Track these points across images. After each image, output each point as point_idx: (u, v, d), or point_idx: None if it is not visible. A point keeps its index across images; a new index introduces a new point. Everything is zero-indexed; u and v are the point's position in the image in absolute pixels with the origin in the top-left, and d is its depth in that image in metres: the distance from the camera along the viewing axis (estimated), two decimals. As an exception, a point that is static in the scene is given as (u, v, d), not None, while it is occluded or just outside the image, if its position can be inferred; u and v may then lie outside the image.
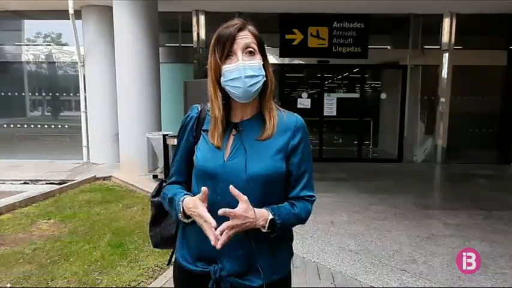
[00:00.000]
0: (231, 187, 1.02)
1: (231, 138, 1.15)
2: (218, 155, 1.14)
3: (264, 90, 1.15)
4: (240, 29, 1.10)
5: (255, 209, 1.06)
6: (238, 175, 1.09)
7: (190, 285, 1.22)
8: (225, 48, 1.09)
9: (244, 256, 1.13)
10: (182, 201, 1.11)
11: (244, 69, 1.08)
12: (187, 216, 1.11)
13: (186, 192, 1.17)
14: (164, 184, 1.31)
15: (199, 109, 1.23)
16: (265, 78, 1.12)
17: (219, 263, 1.13)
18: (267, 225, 1.07)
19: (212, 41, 1.12)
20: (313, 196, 1.21)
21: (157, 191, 1.34)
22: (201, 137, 1.19)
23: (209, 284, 1.13)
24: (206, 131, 1.19)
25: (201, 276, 1.15)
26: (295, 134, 1.17)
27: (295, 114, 1.22)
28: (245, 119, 1.17)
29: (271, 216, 1.08)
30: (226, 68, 1.10)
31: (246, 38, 1.10)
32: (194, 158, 1.19)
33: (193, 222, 1.10)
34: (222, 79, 1.11)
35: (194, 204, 1.07)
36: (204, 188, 1.04)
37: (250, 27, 1.13)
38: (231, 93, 1.11)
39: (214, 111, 1.14)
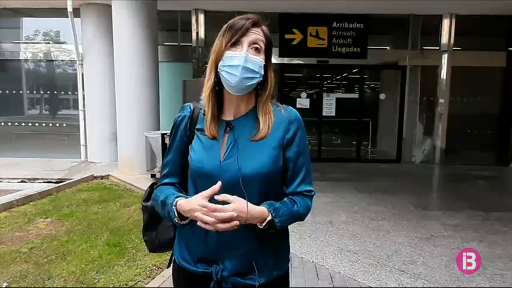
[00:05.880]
0: (217, 196, 1.00)
1: (226, 136, 1.13)
2: (213, 155, 1.12)
3: (262, 90, 1.14)
4: (254, 25, 1.11)
5: (256, 206, 1.05)
6: (235, 174, 1.07)
7: (191, 287, 1.20)
8: (234, 36, 1.09)
9: (245, 255, 1.12)
10: (175, 206, 1.08)
11: (246, 60, 1.07)
12: (183, 218, 1.09)
13: (178, 194, 1.13)
14: (155, 186, 1.28)
15: (192, 108, 1.21)
16: (261, 79, 1.11)
17: (220, 263, 1.12)
18: (264, 223, 1.06)
19: (223, 27, 1.12)
20: (312, 191, 1.19)
21: (149, 194, 1.31)
22: (195, 137, 1.17)
23: (210, 285, 1.11)
24: (200, 130, 1.17)
25: (202, 277, 1.13)
26: (290, 127, 1.15)
27: (290, 107, 1.20)
28: (238, 116, 1.16)
29: (269, 218, 1.06)
30: (228, 53, 1.09)
31: (257, 34, 1.11)
32: (189, 158, 1.16)
33: (190, 221, 1.09)
34: (220, 63, 1.10)
35: (190, 207, 1.04)
36: (216, 186, 1.02)
37: (264, 27, 1.14)
38: (225, 79, 1.09)
39: (209, 97, 1.13)
